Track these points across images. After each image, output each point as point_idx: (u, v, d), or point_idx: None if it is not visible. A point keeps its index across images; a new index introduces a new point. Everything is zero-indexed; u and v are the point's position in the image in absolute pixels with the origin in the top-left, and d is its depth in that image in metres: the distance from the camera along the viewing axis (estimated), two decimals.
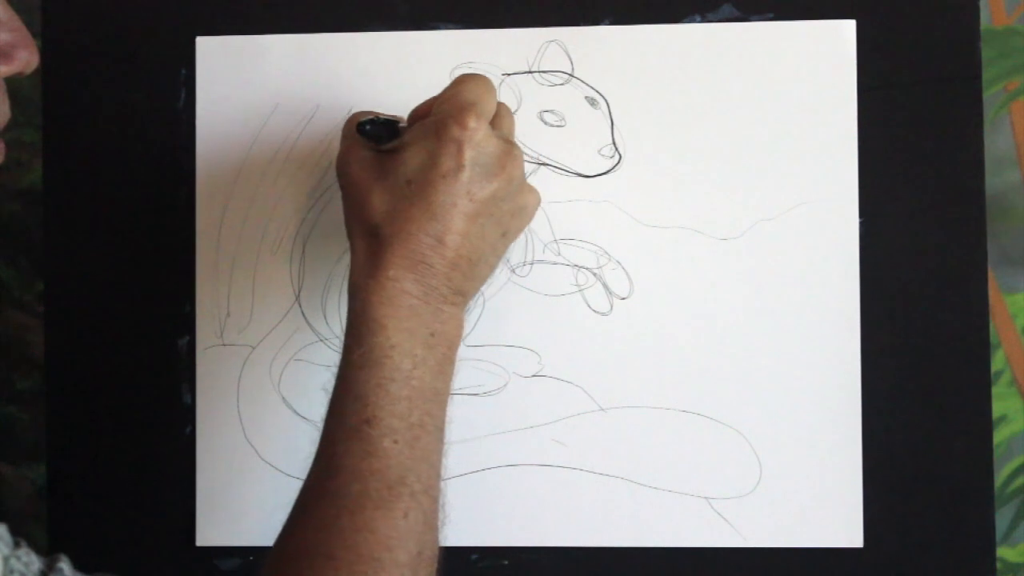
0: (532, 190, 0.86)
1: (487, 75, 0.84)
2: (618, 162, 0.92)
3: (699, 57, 0.92)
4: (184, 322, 0.94)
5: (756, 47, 0.92)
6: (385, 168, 0.81)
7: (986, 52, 0.94)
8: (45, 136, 0.95)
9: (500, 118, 0.84)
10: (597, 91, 0.92)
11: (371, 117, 0.82)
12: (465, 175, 0.79)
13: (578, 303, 0.92)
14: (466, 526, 0.91)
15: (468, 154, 0.79)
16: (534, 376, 0.92)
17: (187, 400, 0.94)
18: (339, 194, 0.85)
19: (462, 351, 0.91)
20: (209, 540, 0.93)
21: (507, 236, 0.84)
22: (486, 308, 0.92)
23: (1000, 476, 0.96)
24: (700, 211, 0.92)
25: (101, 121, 0.95)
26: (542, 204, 0.91)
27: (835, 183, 0.91)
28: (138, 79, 0.95)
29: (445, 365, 0.81)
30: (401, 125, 0.83)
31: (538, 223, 0.92)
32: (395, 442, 0.76)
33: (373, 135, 0.82)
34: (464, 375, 0.92)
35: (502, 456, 0.92)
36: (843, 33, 0.92)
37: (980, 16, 0.91)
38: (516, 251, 0.92)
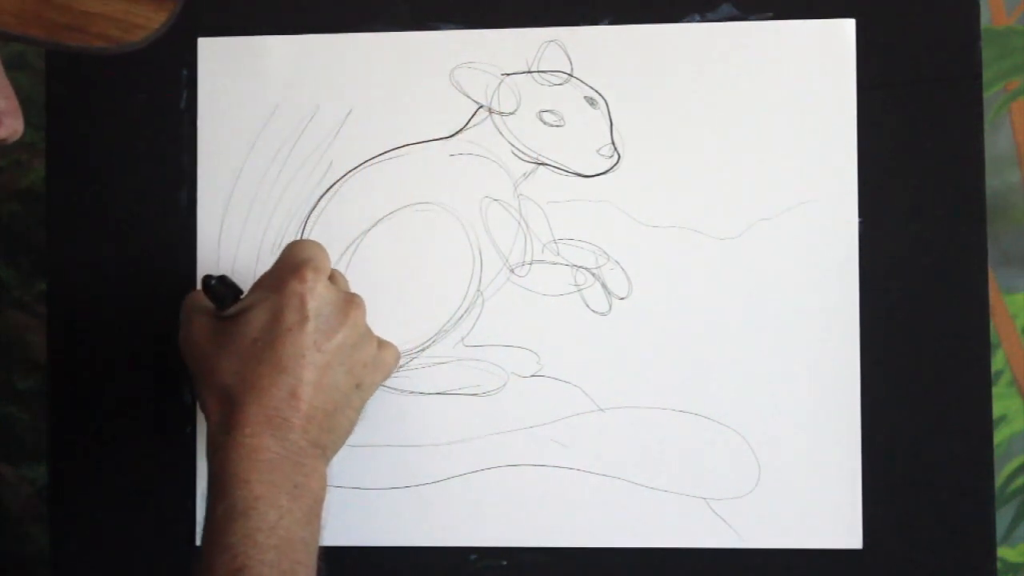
0: (389, 346, 0.88)
1: (315, 240, 0.87)
2: (617, 162, 0.92)
3: (698, 57, 0.92)
4: None
5: (755, 47, 0.92)
6: (229, 332, 0.82)
7: (986, 52, 0.94)
8: (47, 136, 0.95)
9: (335, 277, 0.86)
10: (596, 91, 0.92)
11: (219, 276, 0.84)
12: (310, 326, 0.81)
13: (577, 303, 0.92)
14: (464, 526, 0.91)
15: (311, 305, 0.81)
16: (533, 376, 0.92)
17: (187, 400, 0.94)
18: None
19: (462, 351, 0.92)
20: None
21: (362, 388, 0.85)
22: (485, 308, 0.92)
23: (1000, 476, 0.96)
24: (699, 211, 0.92)
25: (103, 121, 0.95)
26: (541, 204, 0.91)
27: (834, 183, 0.91)
28: (140, 80, 0.95)
29: (312, 517, 0.80)
30: (242, 295, 0.85)
31: (537, 223, 0.92)
32: None
33: (218, 293, 0.83)
34: (463, 375, 0.92)
35: (500, 456, 0.92)
36: (842, 32, 0.92)
37: (980, 16, 0.91)
38: (515, 251, 0.92)
